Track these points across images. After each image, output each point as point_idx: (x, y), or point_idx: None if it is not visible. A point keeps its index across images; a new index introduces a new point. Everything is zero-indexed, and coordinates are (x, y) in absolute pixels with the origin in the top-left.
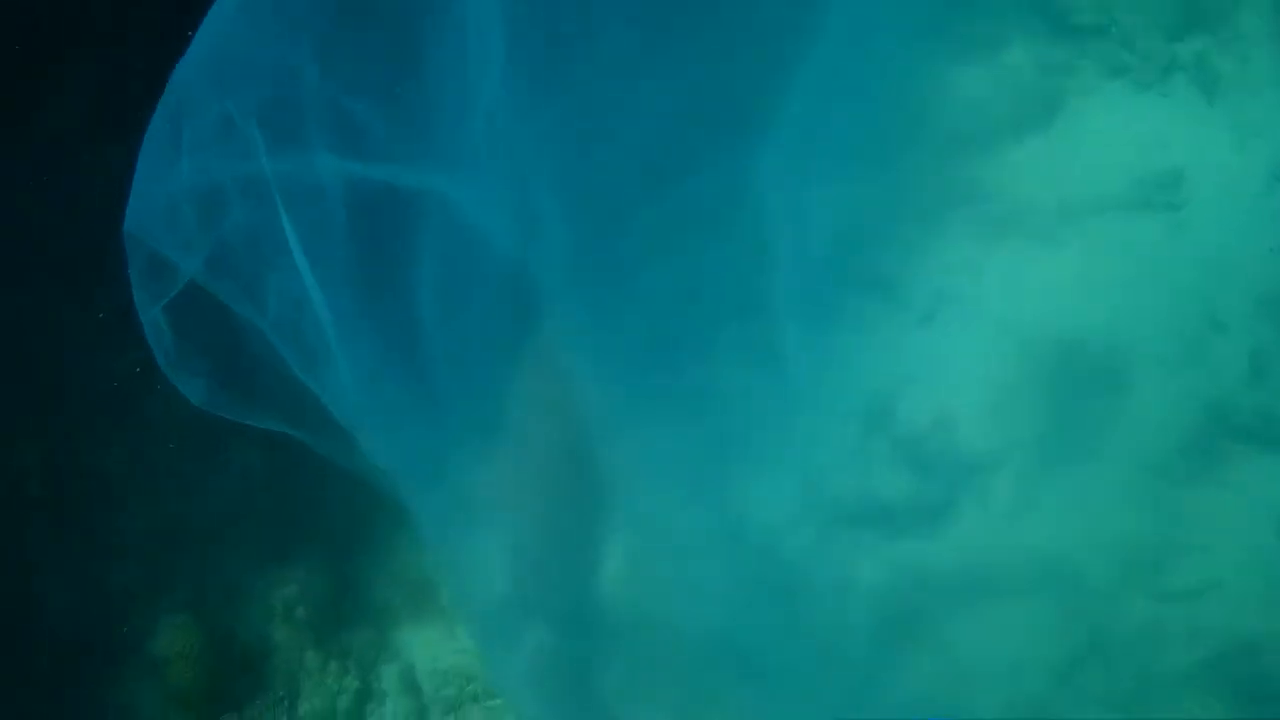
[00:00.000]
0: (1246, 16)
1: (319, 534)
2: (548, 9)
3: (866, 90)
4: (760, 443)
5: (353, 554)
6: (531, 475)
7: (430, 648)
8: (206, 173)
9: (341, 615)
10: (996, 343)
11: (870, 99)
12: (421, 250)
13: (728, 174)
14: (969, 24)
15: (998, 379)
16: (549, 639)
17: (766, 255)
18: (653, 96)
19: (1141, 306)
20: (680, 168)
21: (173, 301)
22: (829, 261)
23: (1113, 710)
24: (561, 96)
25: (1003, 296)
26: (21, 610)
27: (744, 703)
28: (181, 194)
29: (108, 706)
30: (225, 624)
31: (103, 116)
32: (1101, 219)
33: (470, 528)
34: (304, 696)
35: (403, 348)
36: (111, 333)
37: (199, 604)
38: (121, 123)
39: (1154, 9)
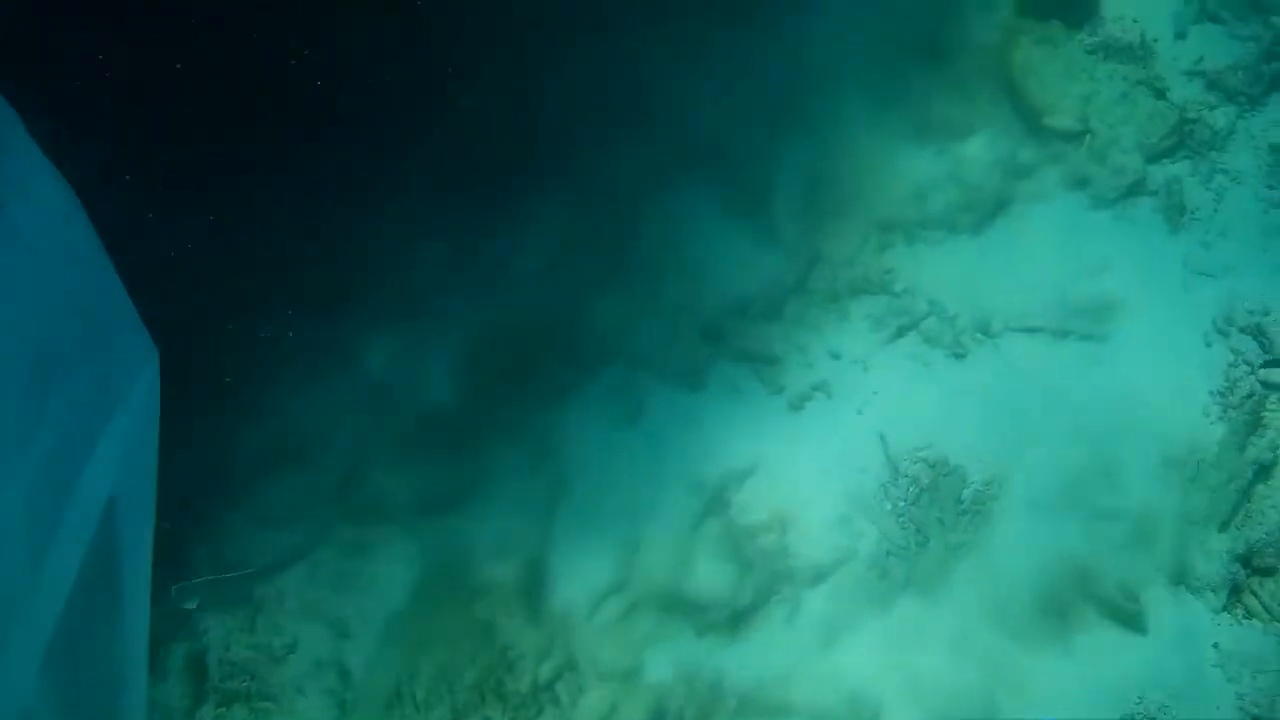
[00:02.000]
0: (1239, 152)
1: None
2: None
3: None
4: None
5: None
6: None
7: None
8: None
9: None
10: (862, 447)
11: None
12: None
13: None
14: (936, 106)
15: (851, 487)
16: None
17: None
18: None
19: (1033, 441)
20: None
21: None
22: (717, 321)
23: None
24: None
25: (884, 400)
26: None
27: None
28: None
29: None
30: None
31: None
32: (1015, 338)
33: None
34: None
35: None
36: None
37: None
38: None
39: (1142, 124)
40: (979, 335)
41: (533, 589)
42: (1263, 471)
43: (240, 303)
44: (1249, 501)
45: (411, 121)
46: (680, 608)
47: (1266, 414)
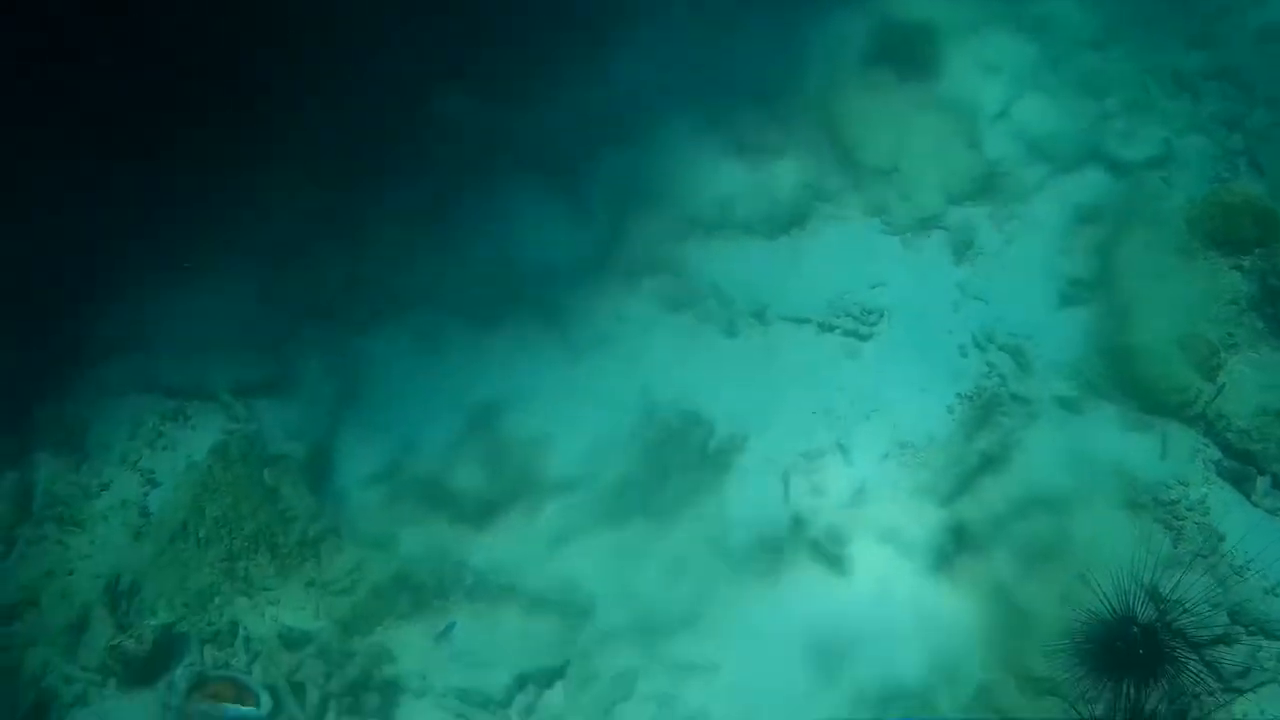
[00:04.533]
0: (1041, 205)
1: None
2: None
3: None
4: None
5: None
6: None
7: None
8: None
9: None
10: (626, 394)
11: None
12: None
13: None
14: (757, 132)
15: (610, 424)
16: None
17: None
18: None
19: (780, 411)
20: None
21: None
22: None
23: None
24: None
25: (655, 358)
26: None
27: None
28: None
29: None
30: None
31: None
32: (784, 325)
33: None
34: None
35: None
36: None
37: None
38: None
39: (950, 170)
40: (751, 319)
41: (316, 466)
42: (990, 463)
43: None
44: (973, 485)
45: None
46: (438, 499)
47: (1003, 417)
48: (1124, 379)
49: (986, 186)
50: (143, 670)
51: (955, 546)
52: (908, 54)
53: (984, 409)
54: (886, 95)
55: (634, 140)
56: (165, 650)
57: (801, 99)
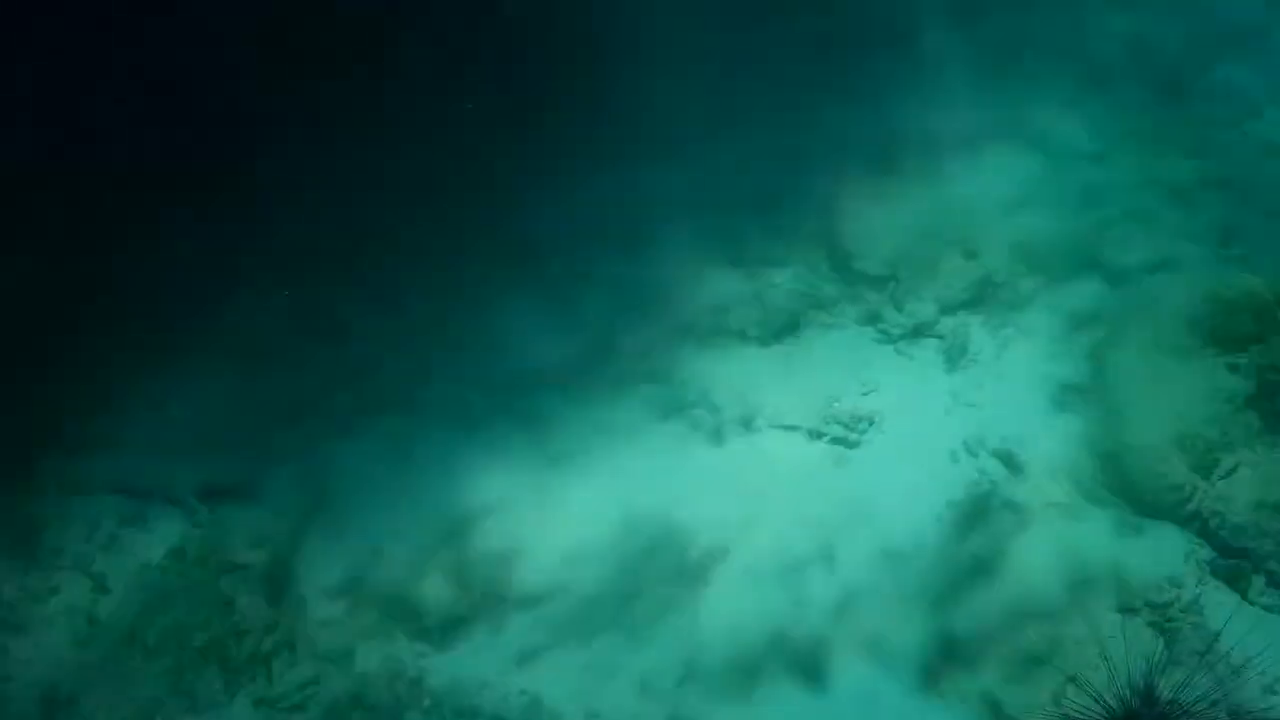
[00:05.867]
0: (1035, 314)
1: None
2: None
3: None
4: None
5: None
6: None
7: None
8: None
9: None
10: (605, 504)
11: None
12: None
13: None
14: (757, 242)
15: (585, 535)
16: None
17: None
18: None
19: (763, 521)
20: None
21: None
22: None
23: None
24: None
25: (637, 467)
26: None
27: None
28: None
29: None
30: None
31: None
32: (773, 433)
33: None
34: None
35: None
36: None
37: None
38: None
39: (947, 280)
40: (740, 427)
41: (276, 576)
42: (980, 570)
43: None
44: (962, 594)
45: None
46: (401, 612)
47: (993, 523)
48: (1117, 482)
49: (981, 295)
50: None
51: (942, 659)
52: (910, 164)
53: (974, 515)
54: (887, 204)
55: (631, 247)
56: None
57: (802, 208)
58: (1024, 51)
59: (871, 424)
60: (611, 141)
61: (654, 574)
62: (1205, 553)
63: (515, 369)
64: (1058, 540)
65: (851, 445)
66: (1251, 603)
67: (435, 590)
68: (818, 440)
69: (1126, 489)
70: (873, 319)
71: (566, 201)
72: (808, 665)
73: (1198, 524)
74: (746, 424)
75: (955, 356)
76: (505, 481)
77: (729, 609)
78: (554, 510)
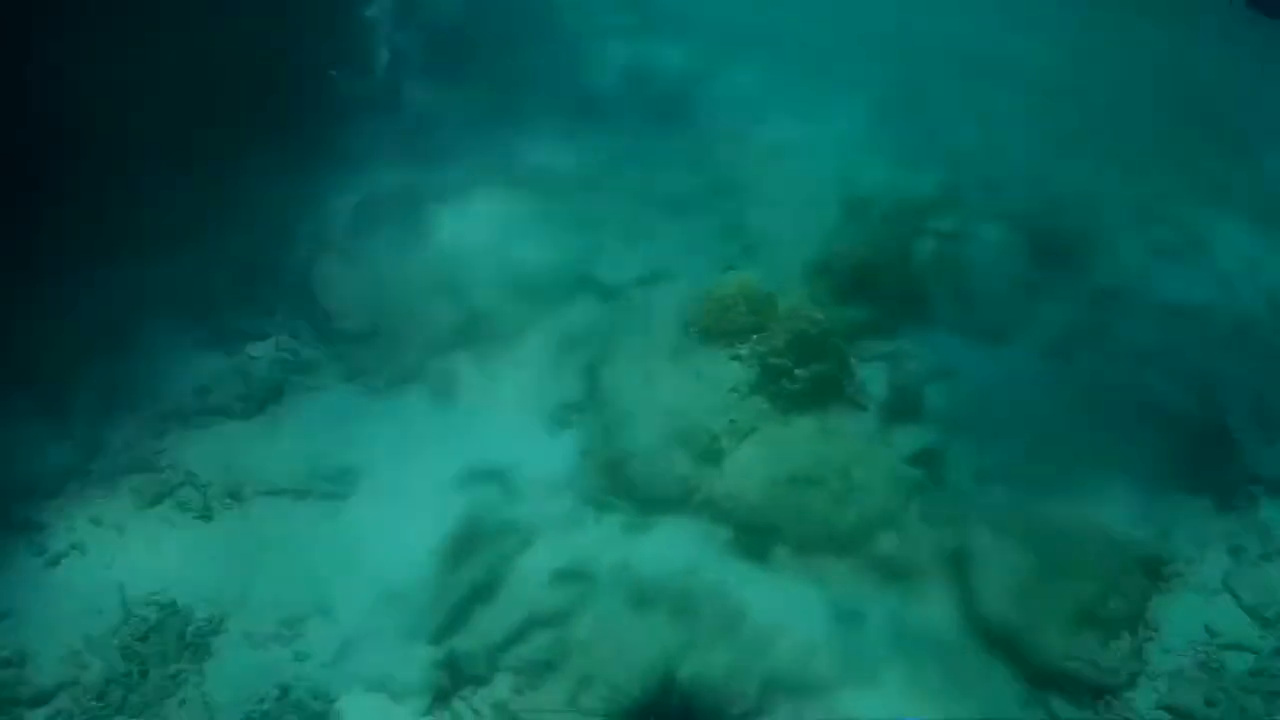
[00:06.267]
0: (528, 341)
1: None
2: None
3: None
4: None
5: None
6: None
7: None
8: None
9: None
10: (103, 595)
11: None
12: None
13: None
14: (234, 320)
15: (87, 628)
16: None
17: None
18: None
19: (257, 584)
20: None
21: None
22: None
23: None
24: None
25: (131, 556)
26: None
27: None
28: None
29: None
30: None
31: None
32: (261, 500)
33: None
34: None
35: None
36: None
37: None
38: None
39: (435, 326)
40: (228, 499)
41: None
42: (480, 593)
43: None
44: (466, 618)
45: None
46: None
47: (491, 546)
48: (622, 486)
49: (469, 333)
50: None
51: (452, 680)
52: (398, 218)
53: (472, 542)
54: (367, 264)
55: (116, 343)
56: None
57: (280, 280)
58: (516, 93)
59: (359, 475)
60: (91, 239)
61: (156, 654)
62: (725, 533)
63: (7, 479)
64: (562, 551)
65: (341, 498)
66: (776, 573)
67: None
68: (305, 499)
69: (631, 491)
70: (356, 375)
71: (53, 301)
72: (317, 713)
73: (711, 510)
74: (234, 495)
75: (442, 396)
76: (5, 591)
77: (231, 674)
78: (55, 609)
